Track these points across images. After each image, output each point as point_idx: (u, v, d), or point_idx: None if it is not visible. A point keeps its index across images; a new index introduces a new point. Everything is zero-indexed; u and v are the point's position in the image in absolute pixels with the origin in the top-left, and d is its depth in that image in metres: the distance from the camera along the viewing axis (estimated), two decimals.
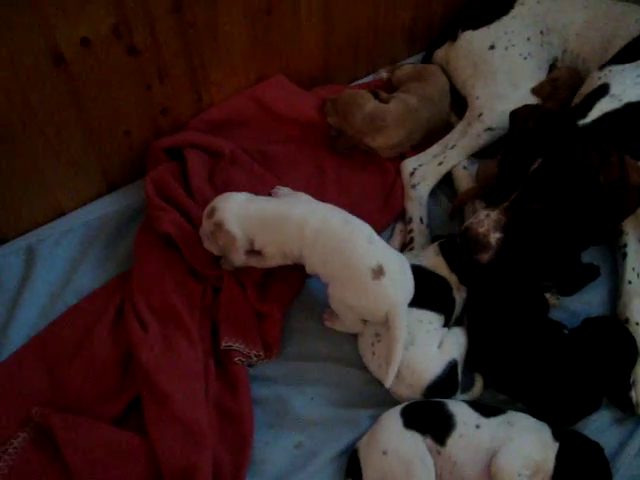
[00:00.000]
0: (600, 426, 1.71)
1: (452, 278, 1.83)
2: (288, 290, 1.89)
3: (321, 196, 2.05)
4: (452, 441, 1.58)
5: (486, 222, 1.75)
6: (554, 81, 2.10)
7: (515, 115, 1.86)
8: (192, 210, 1.93)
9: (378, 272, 1.67)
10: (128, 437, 1.66)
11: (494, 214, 1.75)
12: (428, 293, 1.78)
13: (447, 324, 1.82)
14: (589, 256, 1.96)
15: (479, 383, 1.77)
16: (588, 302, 1.93)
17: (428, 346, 1.72)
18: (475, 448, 1.58)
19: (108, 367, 1.77)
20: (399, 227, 2.07)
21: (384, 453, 1.58)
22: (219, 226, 1.75)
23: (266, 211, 1.77)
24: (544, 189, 1.68)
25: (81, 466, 1.60)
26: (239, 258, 1.79)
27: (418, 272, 1.78)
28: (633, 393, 1.73)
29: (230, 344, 1.79)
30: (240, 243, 1.76)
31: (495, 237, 1.75)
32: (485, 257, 1.77)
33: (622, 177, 1.67)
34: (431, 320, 1.76)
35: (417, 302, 1.75)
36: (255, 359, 1.81)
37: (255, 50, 2.16)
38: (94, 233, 2.05)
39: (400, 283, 1.70)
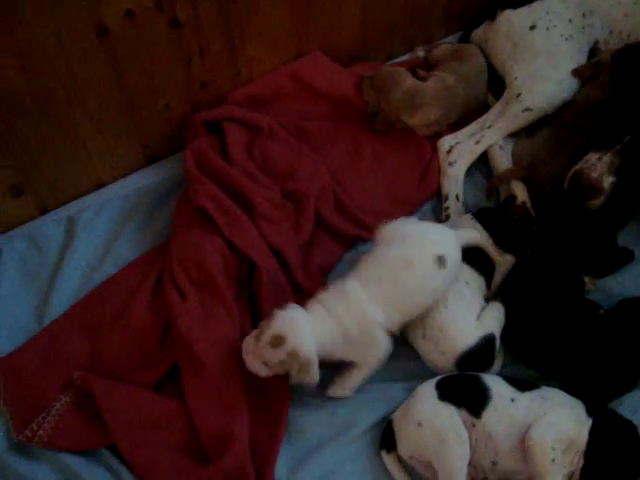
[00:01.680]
0: (634, 406, 1.70)
1: (490, 245, 1.85)
2: (328, 261, 1.90)
3: (356, 172, 2.09)
4: (487, 414, 1.59)
5: (599, 166, 1.73)
6: (597, 64, 2.07)
7: (618, 56, 1.83)
8: (233, 179, 1.95)
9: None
10: (167, 403, 1.70)
11: (607, 157, 1.73)
12: (466, 249, 1.78)
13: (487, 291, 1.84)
14: (623, 240, 1.96)
15: (500, 360, 1.79)
16: (623, 283, 1.92)
17: (464, 313, 1.73)
18: (509, 421, 1.59)
19: (146, 335, 1.81)
20: None
21: (419, 424, 1.60)
22: (294, 355, 1.59)
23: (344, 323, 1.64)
24: None
25: (120, 429, 1.64)
26: (314, 377, 1.64)
27: None
28: None
29: None
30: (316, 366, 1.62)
31: (608, 181, 1.73)
32: (597, 202, 1.76)
33: None
34: (469, 280, 1.77)
35: None
36: None
37: (294, 26, 2.17)
38: (133, 205, 2.08)
39: None
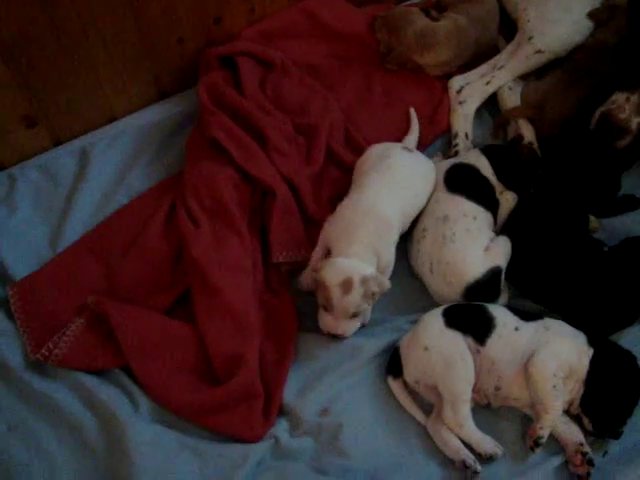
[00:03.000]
0: (633, 340, 1.74)
1: (494, 180, 1.89)
2: (338, 193, 1.93)
3: (367, 109, 2.11)
4: (491, 341, 1.64)
5: (627, 107, 1.76)
6: (613, 7, 2.08)
7: None
8: (246, 111, 1.97)
9: None
10: (179, 325, 1.75)
11: (634, 97, 1.76)
12: (472, 185, 1.83)
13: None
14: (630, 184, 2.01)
15: (506, 293, 1.84)
16: (627, 224, 1.96)
17: (471, 246, 1.77)
18: (513, 349, 1.64)
19: (160, 261, 1.85)
20: None
21: (425, 349, 1.65)
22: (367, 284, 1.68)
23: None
24: None
25: (134, 350, 1.69)
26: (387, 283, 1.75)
27: (462, 167, 1.86)
28: None
29: (281, 259, 1.85)
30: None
31: (636, 122, 1.77)
32: (624, 143, 1.80)
33: None
34: (476, 215, 1.81)
35: (462, 192, 1.81)
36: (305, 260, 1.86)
37: None
38: (145, 137, 2.11)
39: None
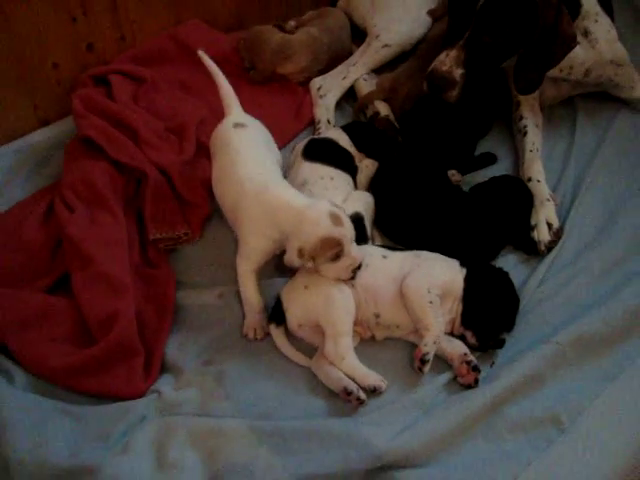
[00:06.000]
0: (507, 267, 1.83)
1: (352, 150, 2.04)
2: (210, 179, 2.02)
3: None
4: (360, 271, 1.69)
5: (447, 61, 1.95)
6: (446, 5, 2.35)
7: None
8: (117, 113, 2.09)
9: None
10: (56, 299, 1.78)
11: (453, 52, 1.94)
12: (329, 154, 1.97)
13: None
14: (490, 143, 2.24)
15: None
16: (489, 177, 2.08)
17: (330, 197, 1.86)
18: (384, 275, 1.71)
19: (38, 250, 1.88)
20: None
21: (306, 287, 1.70)
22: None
23: None
24: (492, 22, 1.88)
25: (9, 328, 1.69)
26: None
27: (320, 140, 2.01)
28: (535, 233, 1.93)
29: (157, 236, 1.91)
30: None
31: (459, 73, 1.95)
32: (453, 95, 1.98)
33: (557, 24, 1.90)
34: (333, 176, 1.92)
35: (319, 159, 1.94)
36: (183, 238, 1.93)
37: None
38: (25, 156, 2.18)
39: None
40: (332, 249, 1.60)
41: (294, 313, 1.70)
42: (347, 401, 1.59)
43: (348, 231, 1.63)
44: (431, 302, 1.65)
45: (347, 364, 1.63)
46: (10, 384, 1.62)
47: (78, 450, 1.50)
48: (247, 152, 1.81)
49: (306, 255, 1.61)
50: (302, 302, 1.70)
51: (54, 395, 1.63)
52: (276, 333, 1.73)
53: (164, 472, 1.48)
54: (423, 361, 1.63)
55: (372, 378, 1.63)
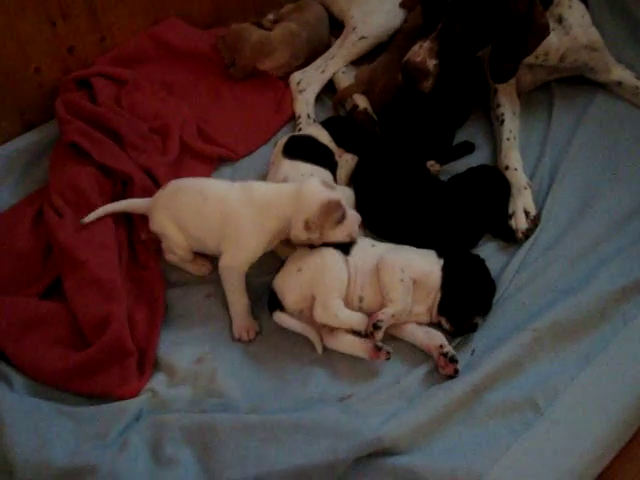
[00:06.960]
0: (485, 255, 1.90)
1: (332, 145, 2.08)
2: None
3: (219, 110, 2.33)
4: (354, 252, 1.78)
5: (421, 52, 1.99)
6: None
7: None
8: (101, 116, 2.13)
9: None
10: (50, 304, 1.83)
11: (426, 43, 1.99)
12: (308, 151, 2.01)
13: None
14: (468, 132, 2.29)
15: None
16: (468, 166, 2.13)
17: None
18: (371, 260, 1.77)
19: (29, 255, 1.92)
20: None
21: (298, 270, 1.76)
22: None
23: None
24: (464, 13, 1.92)
25: (5, 333, 1.74)
26: None
27: (300, 137, 2.05)
28: (512, 221, 1.98)
29: (145, 237, 1.95)
30: None
31: (432, 63, 1.99)
32: (427, 85, 2.02)
33: (530, 13, 1.94)
34: (312, 172, 1.96)
35: (299, 157, 1.98)
36: None
37: None
38: (12, 161, 2.20)
39: None
40: (335, 211, 1.72)
41: (292, 299, 1.75)
42: (377, 358, 1.66)
43: (341, 195, 1.78)
44: (402, 280, 1.71)
45: (341, 319, 1.70)
46: (9, 388, 1.68)
47: (77, 450, 1.55)
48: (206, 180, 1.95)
49: (313, 226, 1.71)
50: (297, 284, 1.75)
51: (52, 397, 1.68)
52: (281, 318, 1.76)
53: (161, 468, 1.54)
54: (375, 326, 1.67)
55: (371, 317, 1.69)
